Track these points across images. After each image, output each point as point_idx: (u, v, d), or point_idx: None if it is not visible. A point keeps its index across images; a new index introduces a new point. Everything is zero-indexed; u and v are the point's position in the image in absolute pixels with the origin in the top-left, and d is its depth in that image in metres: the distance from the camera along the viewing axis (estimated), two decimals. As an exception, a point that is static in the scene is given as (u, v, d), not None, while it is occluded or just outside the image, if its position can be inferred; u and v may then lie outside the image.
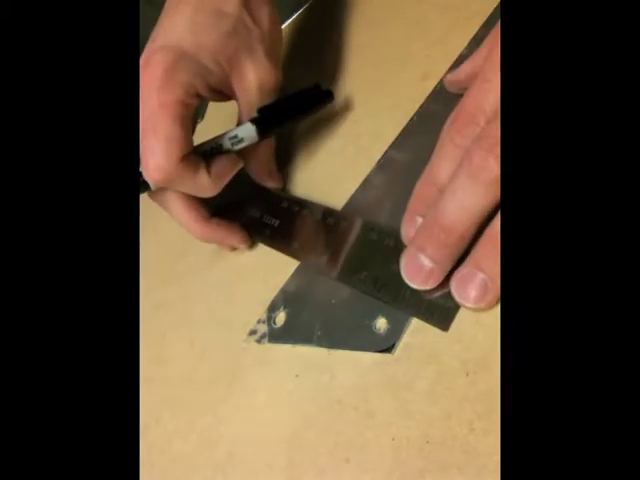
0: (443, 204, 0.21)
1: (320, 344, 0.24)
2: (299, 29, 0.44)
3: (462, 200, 0.20)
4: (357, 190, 0.29)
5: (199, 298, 0.32)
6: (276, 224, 0.30)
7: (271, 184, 0.32)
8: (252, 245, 0.31)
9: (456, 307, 0.21)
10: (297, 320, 0.26)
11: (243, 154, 0.29)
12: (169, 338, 0.31)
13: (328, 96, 0.32)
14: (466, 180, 0.20)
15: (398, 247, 0.23)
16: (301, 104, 0.31)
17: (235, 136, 0.28)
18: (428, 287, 0.21)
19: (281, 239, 0.29)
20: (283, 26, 0.45)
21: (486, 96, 0.21)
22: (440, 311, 0.21)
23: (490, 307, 0.20)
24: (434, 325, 0.21)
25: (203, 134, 0.29)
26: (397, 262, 0.22)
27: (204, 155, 0.27)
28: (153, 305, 0.34)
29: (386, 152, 0.29)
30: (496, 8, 0.30)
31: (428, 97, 0.29)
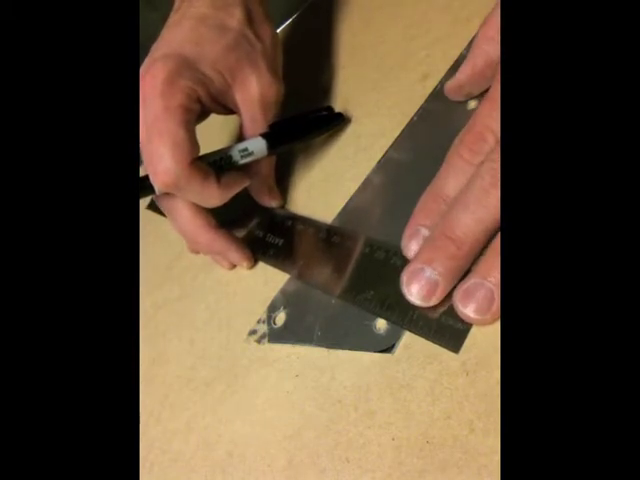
0: (454, 217, 0.21)
1: (320, 344, 0.24)
2: (298, 30, 0.44)
3: (475, 212, 0.20)
4: (357, 190, 0.29)
5: (199, 298, 0.32)
6: (280, 243, 0.29)
7: (271, 203, 0.32)
8: (254, 265, 0.30)
9: (467, 328, 0.20)
10: (297, 320, 0.26)
11: (245, 170, 0.29)
12: (169, 338, 0.31)
13: (339, 118, 0.32)
14: (478, 193, 0.20)
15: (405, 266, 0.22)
16: (312, 123, 0.32)
17: (245, 149, 0.28)
18: (430, 304, 0.21)
19: (285, 259, 0.29)
20: (281, 28, 0.46)
21: (495, 115, 0.21)
22: (451, 333, 0.20)
23: (494, 320, 0.19)
24: (445, 347, 0.20)
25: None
26: None
27: (212, 165, 0.27)
28: (153, 305, 0.34)
29: (386, 152, 0.29)
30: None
31: (428, 97, 0.29)
